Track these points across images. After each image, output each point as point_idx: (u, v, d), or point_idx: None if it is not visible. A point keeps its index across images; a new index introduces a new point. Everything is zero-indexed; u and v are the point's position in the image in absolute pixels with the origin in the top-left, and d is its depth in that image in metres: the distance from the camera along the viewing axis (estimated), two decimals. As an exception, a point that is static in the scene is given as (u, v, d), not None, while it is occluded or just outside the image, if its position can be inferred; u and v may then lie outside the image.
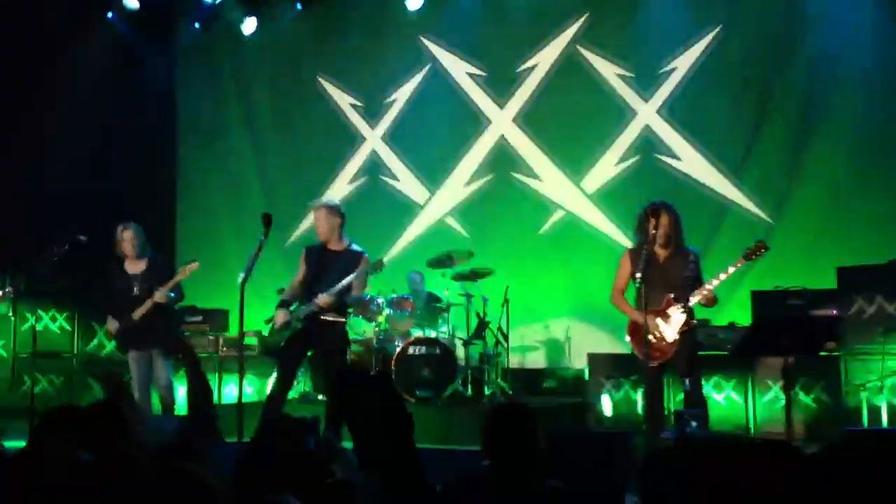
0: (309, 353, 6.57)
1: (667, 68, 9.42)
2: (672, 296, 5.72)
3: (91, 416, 3.30)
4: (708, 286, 5.66)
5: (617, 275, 5.97)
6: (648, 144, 9.47)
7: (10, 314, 7.86)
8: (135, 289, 6.76)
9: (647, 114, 9.51)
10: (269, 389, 6.47)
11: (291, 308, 6.32)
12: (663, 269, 5.77)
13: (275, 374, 6.49)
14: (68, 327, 8.61)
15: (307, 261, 6.41)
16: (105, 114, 10.15)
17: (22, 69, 9.51)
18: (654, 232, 5.72)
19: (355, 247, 6.41)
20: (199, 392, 7.23)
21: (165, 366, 6.80)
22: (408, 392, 7.78)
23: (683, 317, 5.69)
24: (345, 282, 6.13)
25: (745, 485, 1.67)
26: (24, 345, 8.02)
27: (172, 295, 6.76)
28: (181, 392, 7.68)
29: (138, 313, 6.70)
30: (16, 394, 7.85)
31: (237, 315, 5.96)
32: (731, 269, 5.65)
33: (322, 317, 6.19)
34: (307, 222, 10.63)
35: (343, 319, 6.33)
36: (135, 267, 6.87)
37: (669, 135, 9.40)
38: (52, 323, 8.59)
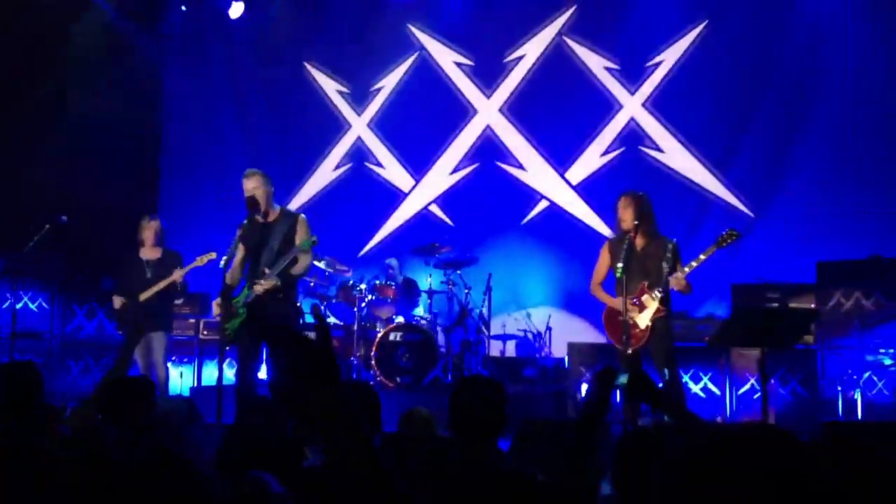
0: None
1: (653, 61, 9.46)
2: (646, 283, 5.79)
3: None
4: (679, 273, 5.72)
5: (596, 266, 6.03)
6: (633, 137, 9.52)
7: (-11, 294, 7.82)
8: (147, 273, 7.19)
9: (632, 106, 9.55)
10: (235, 378, 6.31)
11: (239, 295, 6.04)
12: (640, 258, 5.84)
13: (236, 364, 6.29)
14: (48, 307, 8.57)
15: (244, 238, 6.02)
16: (91, 96, 10.07)
17: (12, 53, 9.43)
18: (636, 223, 5.78)
19: (290, 208, 6.31)
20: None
21: (164, 347, 7.16)
22: (388, 378, 7.81)
23: (656, 304, 5.75)
24: (285, 260, 5.89)
25: (724, 464, 1.62)
26: (3, 325, 7.97)
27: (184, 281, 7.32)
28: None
29: (146, 295, 7.11)
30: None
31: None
32: (703, 256, 5.71)
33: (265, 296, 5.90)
34: (291, 207, 10.62)
35: (282, 294, 5.97)
36: (150, 254, 7.32)
37: (654, 128, 9.45)
38: (32, 303, 8.54)
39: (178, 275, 7.13)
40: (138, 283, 7.16)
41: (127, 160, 10.47)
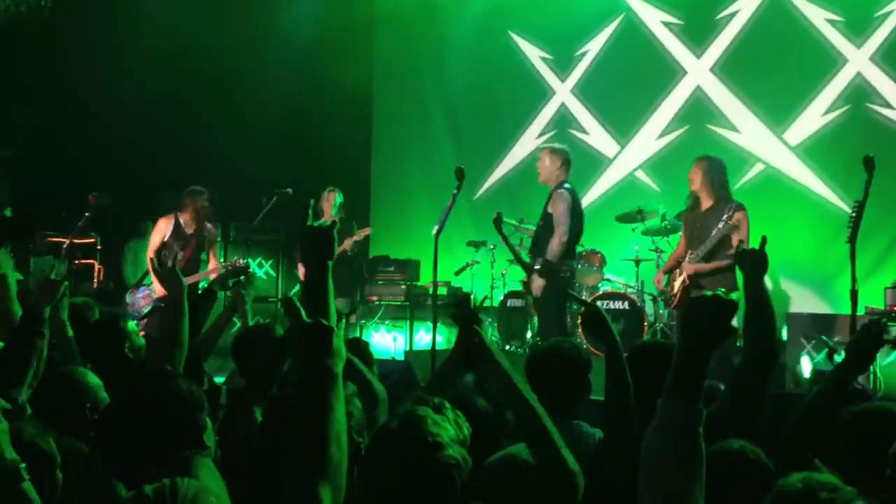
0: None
1: (883, 11, 8.73)
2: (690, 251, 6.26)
3: None
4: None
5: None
6: (860, 93, 8.84)
7: (222, 260, 8.42)
8: None
9: (859, 60, 8.86)
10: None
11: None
12: (701, 222, 6.29)
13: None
14: (273, 273, 9.16)
15: None
16: (303, 73, 10.57)
17: (227, 26, 10.08)
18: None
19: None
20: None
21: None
22: (596, 346, 7.75)
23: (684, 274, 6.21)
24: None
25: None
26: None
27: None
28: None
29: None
30: (226, 334, 8.42)
31: (429, 265, 6.14)
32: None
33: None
34: (496, 175, 10.77)
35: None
36: None
37: (884, 82, 8.73)
38: (259, 269, 9.15)
39: (347, 244, 7.88)
40: None
41: (336, 134, 10.90)
